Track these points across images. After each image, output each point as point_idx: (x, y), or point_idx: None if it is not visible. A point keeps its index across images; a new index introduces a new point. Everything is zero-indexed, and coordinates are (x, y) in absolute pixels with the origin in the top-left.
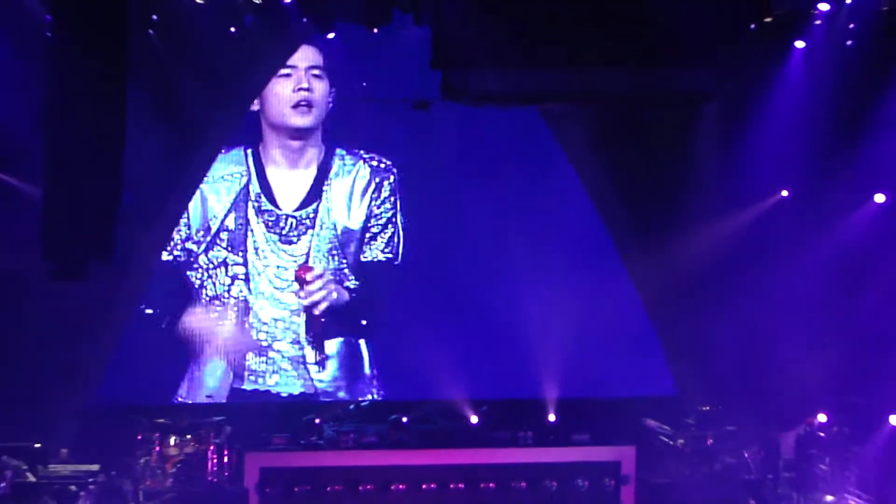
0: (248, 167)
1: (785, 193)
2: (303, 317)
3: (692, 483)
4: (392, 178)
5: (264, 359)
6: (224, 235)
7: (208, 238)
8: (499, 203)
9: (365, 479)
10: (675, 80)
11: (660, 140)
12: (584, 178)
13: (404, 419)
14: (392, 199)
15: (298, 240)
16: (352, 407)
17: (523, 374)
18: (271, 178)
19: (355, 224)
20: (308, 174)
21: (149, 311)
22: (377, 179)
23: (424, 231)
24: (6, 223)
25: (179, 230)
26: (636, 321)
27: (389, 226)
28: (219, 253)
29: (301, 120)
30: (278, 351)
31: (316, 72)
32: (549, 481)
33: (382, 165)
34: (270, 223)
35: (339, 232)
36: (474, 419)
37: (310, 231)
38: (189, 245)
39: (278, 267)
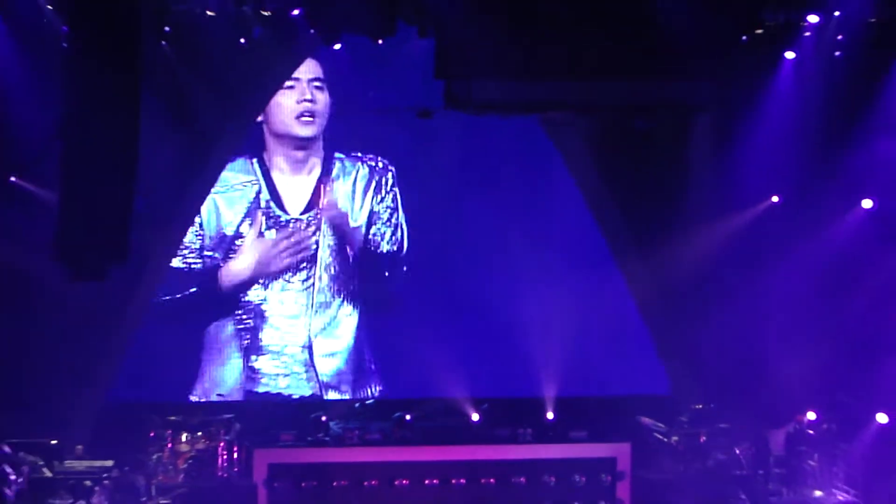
0: (257, 176)
1: (776, 199)
2: (312, 318)
3: (685, 478)
4: (391, 175)
5: (276, 360)
6: (240, 242)
7: (225, 245)
8: (499, 208)
9: (369, 474)
10: (671, 91)
11: (655, 148)
12: (581, 184)
13: (407, 417)
14: (393, 193)
15: (307, 241)
16: (357, 405)
17: (523, 374)
18: (278, 185)
19: (359, 221)
20: (311, 179)
21: (163, 312)
22: (377, 178)
23: (427, 235)
24: (24, 227)
25: (196, 237)
26: (632, 323)
27: (392, 219)
28: (234, 259)
29: (304, 130)
30: (289, 353)
31: (318, 84)
32: (548, 477)
33: (381, 165)
34: (279, 227)
35: (344, 230)
36: (475, 417)
37: (317, 232)
38: (206, 253)
39: (288, 270)
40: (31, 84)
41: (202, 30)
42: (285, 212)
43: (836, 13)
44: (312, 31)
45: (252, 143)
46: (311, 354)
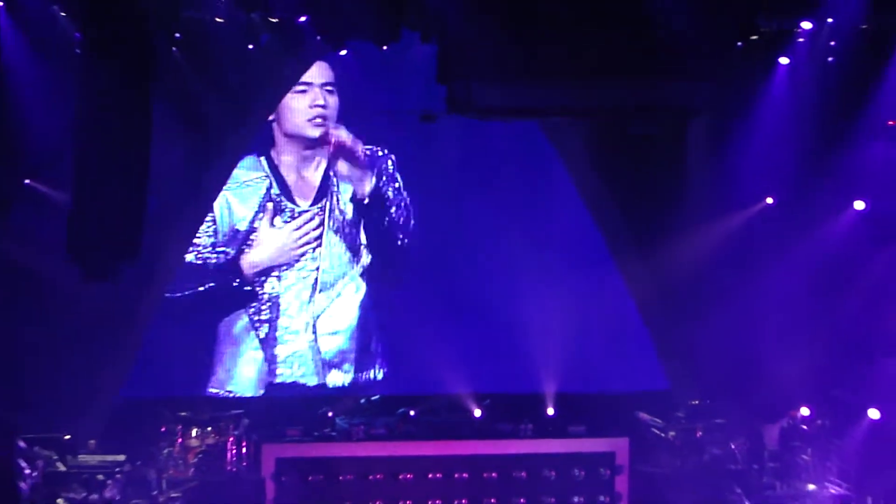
0: (267, 172)
1: (770, 201)
2: (320, 314)
3: (682, 473)
4: (391, 161)
5: (288, 354)
6: (254, 236)
7: (238, 240)
8: (500, 209)
9: (375, 468)
10: (669, 93)
11: (653, 151)
12: (581, 186)
13: (412, 412)
14: (395, 178)
15: (317, 230)
16: (362, 401)
17: (523, 371)
18: (287, 179)
19: (365, 209)
20: (318, 174)
21: (175, 309)
22: (379, 165)
23: (429, 234)
24: (38, 227)
25: (209, 235)
26: (630, 321)
27: (397, 202)
28: (248, 252)
29: (316, 132)
30: (299, 347)
31: (329, 88)
32: (548, 471)
33: (381, 153)
34: (291, 218)
35: (350, 219)
36: (478, 412)
37: (325, 222)
38: (219, 248)
39: (301, 259)
40: (44, 89)
41: (212, 36)
42: (295, 204)
43: (829, 20)
44: (319, 37)
45: (261, 141)
46: (318, 348)
